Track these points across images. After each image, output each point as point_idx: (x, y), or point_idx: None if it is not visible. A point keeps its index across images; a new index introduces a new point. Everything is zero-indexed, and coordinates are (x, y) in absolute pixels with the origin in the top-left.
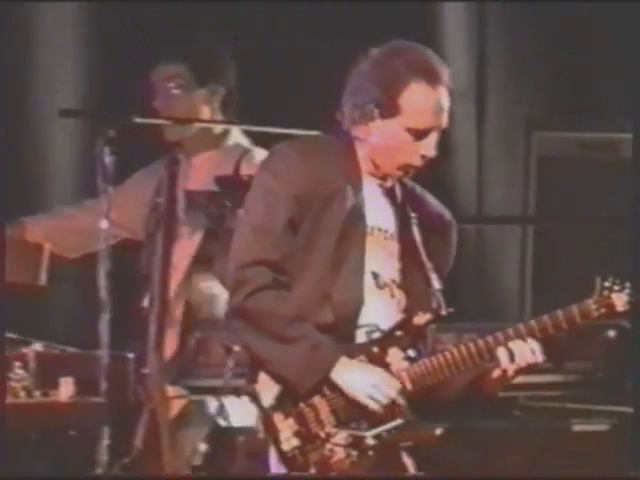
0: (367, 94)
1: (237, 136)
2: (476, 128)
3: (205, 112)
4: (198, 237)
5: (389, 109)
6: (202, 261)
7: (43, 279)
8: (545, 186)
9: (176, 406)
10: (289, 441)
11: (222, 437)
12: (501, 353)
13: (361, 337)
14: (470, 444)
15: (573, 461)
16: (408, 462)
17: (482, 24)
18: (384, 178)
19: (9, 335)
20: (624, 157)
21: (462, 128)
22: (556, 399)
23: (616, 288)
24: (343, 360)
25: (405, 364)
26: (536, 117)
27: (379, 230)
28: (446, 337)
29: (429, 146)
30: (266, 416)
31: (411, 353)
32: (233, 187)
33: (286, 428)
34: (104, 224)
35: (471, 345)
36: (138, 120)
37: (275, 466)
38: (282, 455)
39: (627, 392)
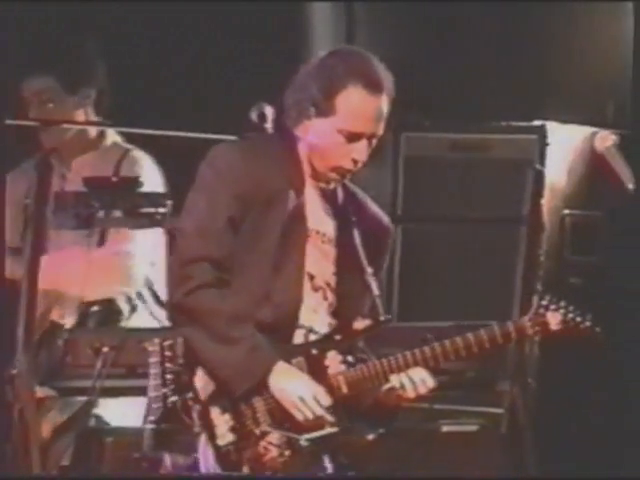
0: (306, 92)
1: (113, 135)
2: None
3: (79, 116)
4: (66, 238)
5: (325, 108)
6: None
7: None
8: (413, 187)
9: (44, 406)
10: (224, 436)
11: (91, 437)
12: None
13: (298, 338)
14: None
15: (442, 462)
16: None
17: (350, 23)
18: (325, 181)
19: None
20: (495, 157)
21: None
22: (425, 400)
23: (552, 307)
24: (280, 366)
25: (342, 368)
26: (404, 118)
27: (317, 233)
28: None
29: (360, 150)
30: (203, 410)
31: (349, 358)
32: (101, 187)
33: (222, 423)
34: None
35: (405, 356)
36: (9, 122)
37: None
38: (217, 450)
39: (497, 393)
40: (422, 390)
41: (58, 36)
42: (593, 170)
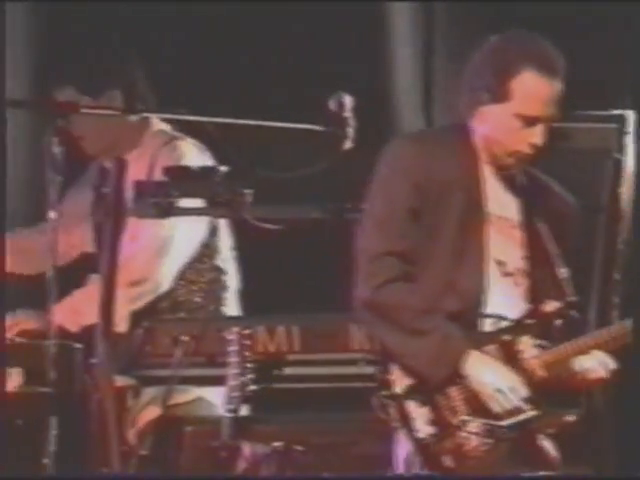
0: (481, 79)
1: (159, 124)
2: (424, 120)
3: (115, 120)
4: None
5: (500, 94)
6: None
7: None
8: None
9: (123, 396)
10: (424, 429)
11: (170, 426)
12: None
13: (487, 325)
14: None
15: None
16: (546, 444)
17: (429, 20)
18: (505, 167)
19: None
20: (574, 146)
21: (410, 120)
22: None
23: None
24: (474, 354)
25: (536, 352)
26: None
27: (502, 218)
28: None
29: (538, 134)
30: (399, 405)
31: (542, 341)
32: (180, 176)
33: (420, 416)
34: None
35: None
36: (85, 110)
37: (406, 454)
38: (417, 443)
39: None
40: (608, 371)
41: (74, 46)
42: None
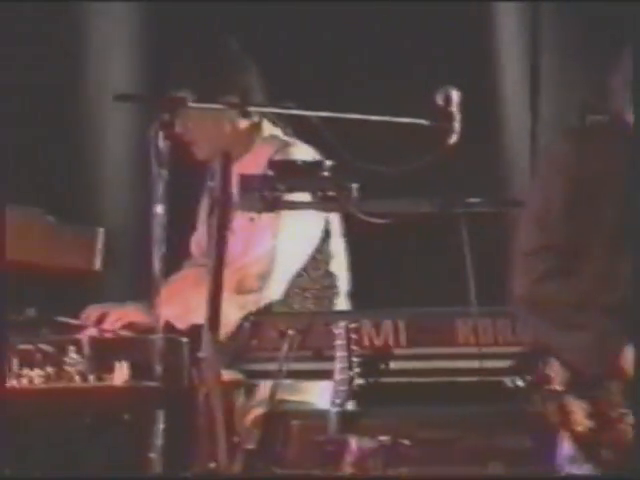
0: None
1: (271, 129)
2: (530, 115)
3: (226, 126)
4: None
5: None
6: None
7: (97, 264)
8: None
9: (230, 390)
10: (582, 422)
11: (276, 420)
12: None
13: None
14: None
15: None
16: None
17: (535, 21)
18: None
19: (63, 319)
20: None
21: (516, 115)
22: None
23: None
24: (630, 348)
25: None
26: (590, 102)
27: None
28: None
29: None
30: (559, 399)
31: None
32: (286, 170)
33: (579, 410)
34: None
35: None
36: (192, 105)
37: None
38: (576, 436)
39: None
40: None
41: (193, 48)
42: None
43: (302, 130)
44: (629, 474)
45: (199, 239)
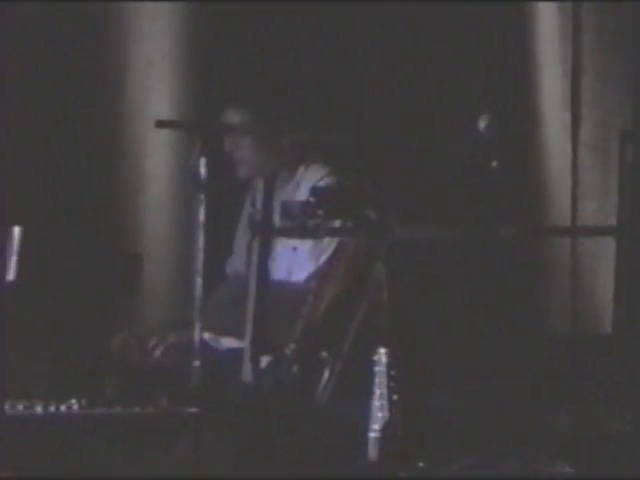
0: None
1: (314, 157)
2: (571, 137)
3: (276, 155)
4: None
5: None
6: None
7: None
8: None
9: None
10: None
11: None
12: None
13: None
14: None
15: None
16: None
17: (576, 23)
18: None
19: None
20: None
21: (557, 137)
22: None
23: None
24: None
25: None
26: (630, 126)
27: None
28: None
29: None
30: None
31: None
32: (326, 197)
33: None
34: None
35: None
36: (236, 129)
37: None
38: None
39: None
40: None
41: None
42: None
43: (343, 158)
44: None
45: (235, 262)
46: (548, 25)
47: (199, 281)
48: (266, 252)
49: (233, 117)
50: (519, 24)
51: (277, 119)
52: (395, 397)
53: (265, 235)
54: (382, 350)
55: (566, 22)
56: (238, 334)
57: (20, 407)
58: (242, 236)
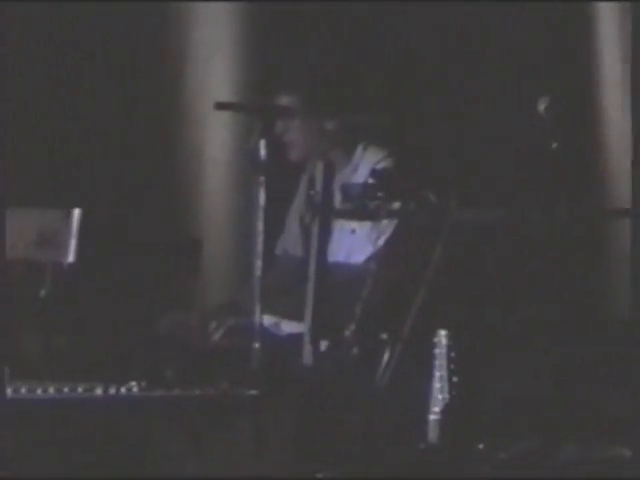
0: None
1: (371, 138)
2: (631, 120)
3: (326, 138)
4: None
5: None
6: None
7: None
8: None
9: None
10: None
11: None
12: None
13: None
14: None
15: None
16: None
17: (636, 21)
18: None
19: None
20: None
21: (616, 120)
22: None
23: None
24: None
25: None
26: None
27: None
28: None
29: None
30: None
31: None
32: (386, 180)
33: None
34: None
35: None
36: (294, 113)
37: None
38: None
39: None
40: None
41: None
42: None
43: (401, 140)
44: None
45: (285, 244)
46: (608, 8)
47: (259, 263)
48: (325, 234)
49: (285, 100)
50: (579, 7)
51: (326, 102)
52: (455, 379)
53: (325, 217)
54: (442, 332)
55: (625, 5)
56: (297, 316)
57: (80, 390)
58: (294, 218)
